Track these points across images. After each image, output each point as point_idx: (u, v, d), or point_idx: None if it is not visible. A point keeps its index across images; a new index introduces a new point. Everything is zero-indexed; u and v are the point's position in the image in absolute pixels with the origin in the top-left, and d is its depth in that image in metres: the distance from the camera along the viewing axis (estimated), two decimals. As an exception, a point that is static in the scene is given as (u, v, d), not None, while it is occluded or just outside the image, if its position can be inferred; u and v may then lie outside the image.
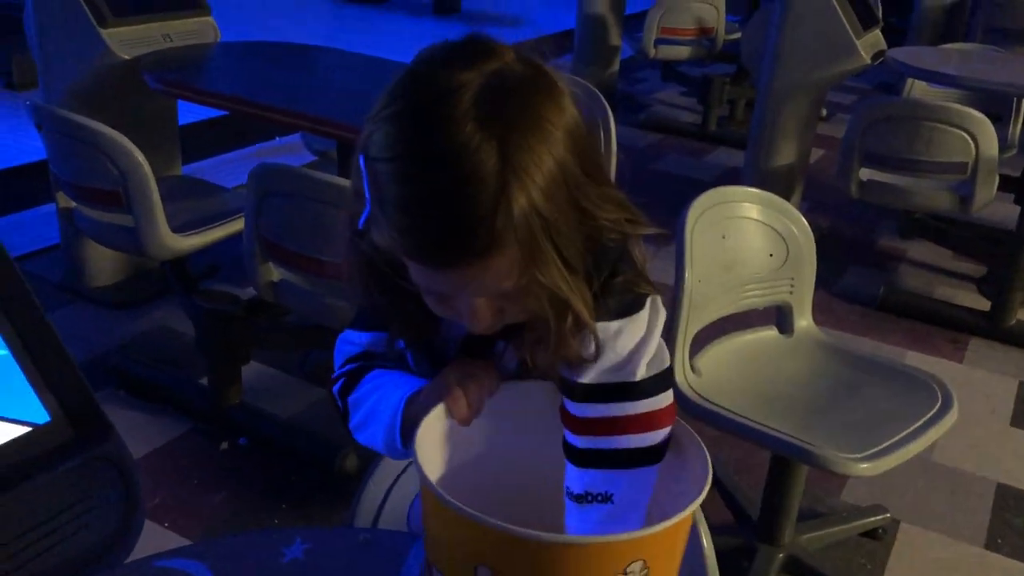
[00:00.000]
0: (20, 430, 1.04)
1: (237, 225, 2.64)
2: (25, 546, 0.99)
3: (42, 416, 1.07)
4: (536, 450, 1.00)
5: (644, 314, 0.94)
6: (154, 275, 3.26)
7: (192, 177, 3.12)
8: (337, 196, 2.13)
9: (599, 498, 0.94)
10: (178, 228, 2.54)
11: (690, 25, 5.27)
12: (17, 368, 1.06)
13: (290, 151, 4.35)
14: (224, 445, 2.54)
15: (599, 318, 0.89)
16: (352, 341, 1.04)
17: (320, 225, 2.19)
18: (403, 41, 7.53)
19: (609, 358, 0.93)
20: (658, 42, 5.26)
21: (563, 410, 0.97)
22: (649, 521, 0.93)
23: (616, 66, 5.90)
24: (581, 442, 0.95)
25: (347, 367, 1.03)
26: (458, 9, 8.89)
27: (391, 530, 1.30)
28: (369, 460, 2.14)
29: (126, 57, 2.82)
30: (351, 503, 1.43)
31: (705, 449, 0.88)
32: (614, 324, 0.92)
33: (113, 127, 2.39)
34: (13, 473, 1.00)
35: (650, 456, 0.93)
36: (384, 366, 1.00)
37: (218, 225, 2.61)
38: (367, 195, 0.81)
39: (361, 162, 0.81)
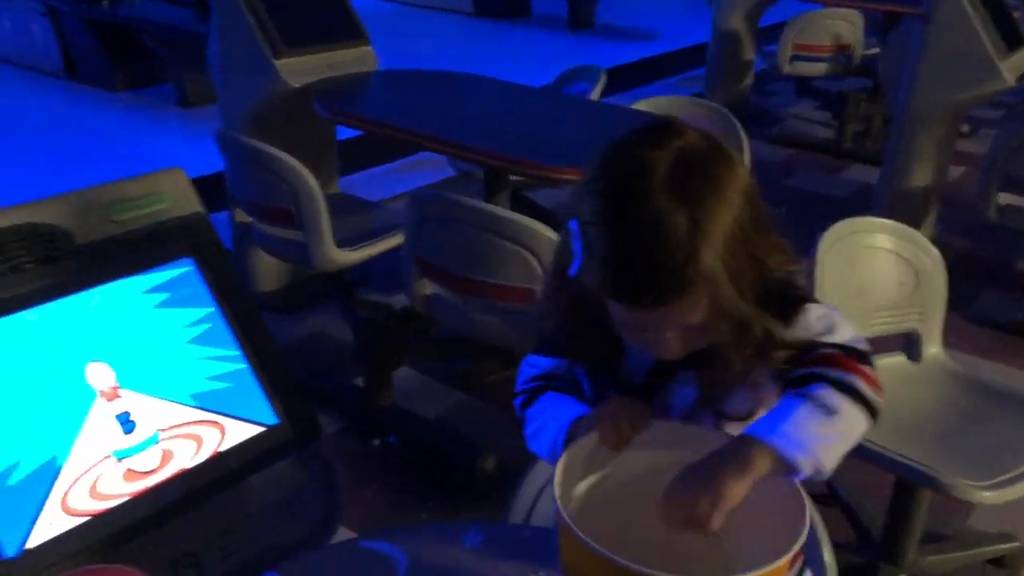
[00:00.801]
0: (255, 430, 1.29)
1: (393, 241, 2.90)
2: (256, 526, 1.24)
3: (272, 419, 1.32)
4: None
5: (816, 306, 1.10)
6: (311, 283, 3.58)
7: (349, 195, 3.40)
8: (487, 222, 2.33)
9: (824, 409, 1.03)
10: (342, 243, 2.82)
11: (826, 41, 5.26)
12: (254, 379, 1.31)
13: (431, 165, 4.61)
14: (376, 442, 2.81)
15: (779, 325, 1.04)
16: (535, 364, 1.25)
17: (470, 247, 2.40)
18: (538, 56, 7.72)
19: (804, 334, 1.07)
20: (793, 58, 5.29)
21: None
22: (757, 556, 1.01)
23: (749, 80, 5.94)
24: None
25: (529, 385, 1.23)
26: (592, 23, 9.02)
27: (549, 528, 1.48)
28: (508, 464, 2.33)
29: (296, 85, 3.13)
30: (508, 500, 1.63)
31: (807, 501, 0.98)
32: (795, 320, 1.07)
33: (282, 150, 2.69)
34: (249, 466, 1.25)
35: (861, 400, 1.05)
36: (559, 390, 1.20)
37: (377, 241, 2.87)
38: (576, 249, 1.01)
39: (573, 225, 1.02)
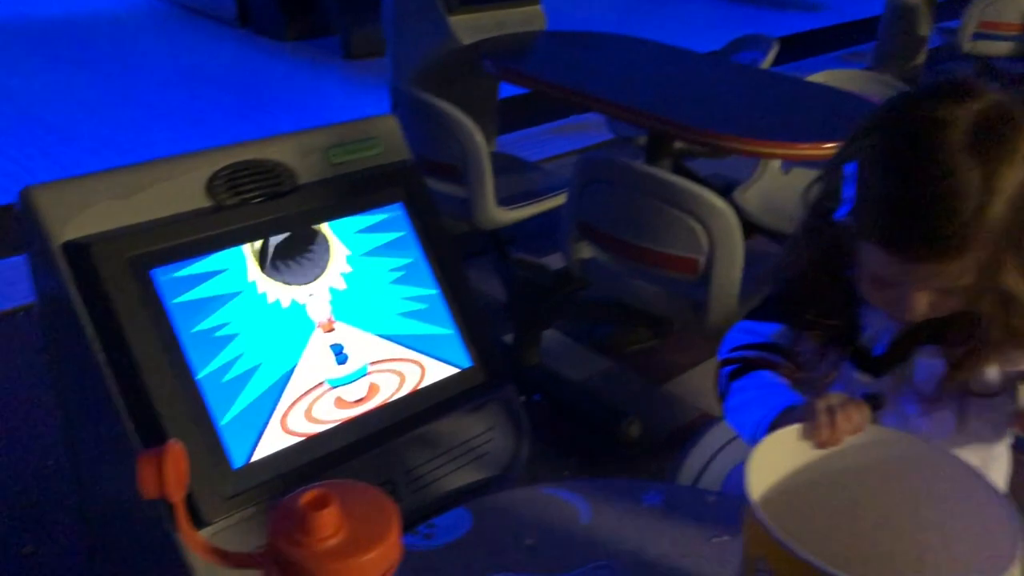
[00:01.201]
0: (451, 371, 1.35)
1: (552, 202, 2.94)
2: (448, 462, 1.31)
3: (466, 362, 1.38)
4: (869, 497, 1.03)
5: None
6: (462, 239, 3.65)
7: (509, 154, 3.45)
8: (656, 188, 2.33)
9: None
10: (502, 201, 2.87)
11: (1016, 19, 4.95)
12: (451, 322, 1.38)
13: (585, 129, 4.62)
14: (521, 399, 2.88)
15: None
16: (752, 331, 1.22)
17: (636, 213, 2.40)
18: (700, 24, 7.55)
19: None
20: (975, 36, 5.01)
21: None
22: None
23: (922, 57, 5.65)
24: None
25: (743, 353, 1.22)
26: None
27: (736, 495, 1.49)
28: (651, 432, 2.33)
29: (466, 42, 3.19)
30: (675, 461, 1.65)
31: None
32: None
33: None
34: (445, 405, 1.32)
35: None
36: (773, 367, 1.18)
37: (536, 201, 2.91)
38: (846, 194, 1.01)
39: (849, 168, 1.01)
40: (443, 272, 1.40)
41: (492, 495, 1.28)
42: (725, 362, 1.24)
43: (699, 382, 2.94)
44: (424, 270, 1.41)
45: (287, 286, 1.31)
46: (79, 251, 1.16)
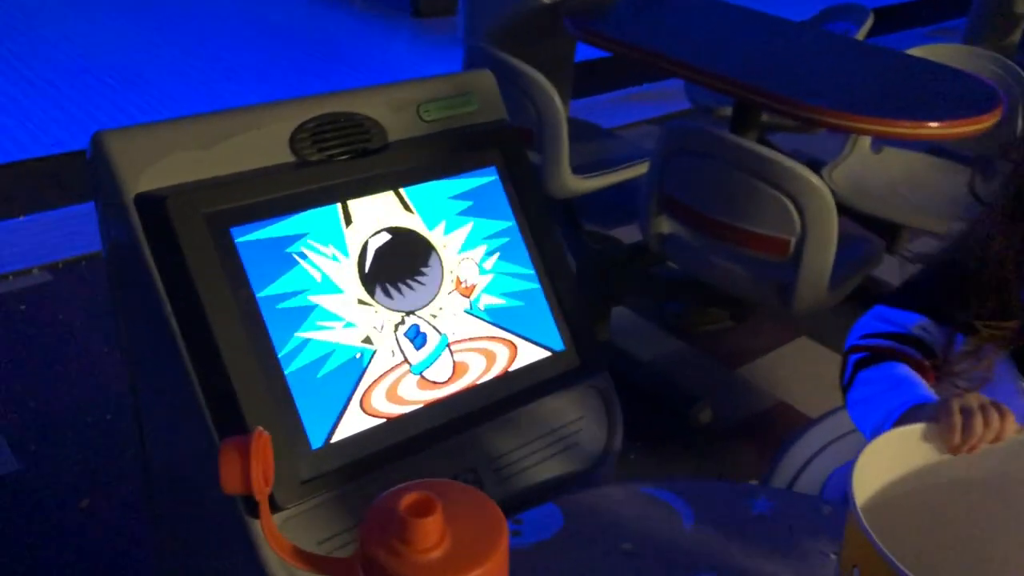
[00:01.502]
0: (542, 354, 1.24)
1: (629, 172, 2.80)
2: (535, 451, 1.20)
3: (559, 344, 1.26)
4: (995, 520, 0.93)
5: None
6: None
7: (584, 120, 3.31)
8: (748, 162, 2.19)
9: None
10: (576, 169, 2.74)
11: (1122, -2, 4.65)
12: (544, 301, 1.26)
13: (660, 97, 4.45)
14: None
15: None
16: (889, 319, 1.09)
17: (724, 187, 2.26)
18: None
19: None
20: (1077, 14, 4.71)
21: None
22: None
23: (1017, 35, 5.36)
24: None
25: (875, 342, 1.09)
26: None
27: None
28: (722, 418, 2.20)
29: (546, 1, 3.04)
30: (771, 463, 1.53)
31: None
32: None
33: (525, 68, 2.61)
34: (535, 390, 1.20)
35: None
36: (910, 364, 1.06)
37: (612, 171, 2.77)
38: None
39: None
40: (539, 246, 1.28)
41: (584, 491, 1.17)
42: (853, 349, 1.12)
43: (775, 368, 2.81)
44: (517, 242, 1.29)
45: (389, 300, 1.20)
46: (153, 204, 1.06)
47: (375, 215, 1.20)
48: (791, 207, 2.19)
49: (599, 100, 4.56)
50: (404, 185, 1.23)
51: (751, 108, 2.84)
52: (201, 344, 1.05)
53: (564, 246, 1.27)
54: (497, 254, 1.26)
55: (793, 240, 2.24)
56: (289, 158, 1.18)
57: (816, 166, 3.02)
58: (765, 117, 3.01)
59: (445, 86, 1.28)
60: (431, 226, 1.24)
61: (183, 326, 1.06)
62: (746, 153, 2.20)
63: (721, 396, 2.68)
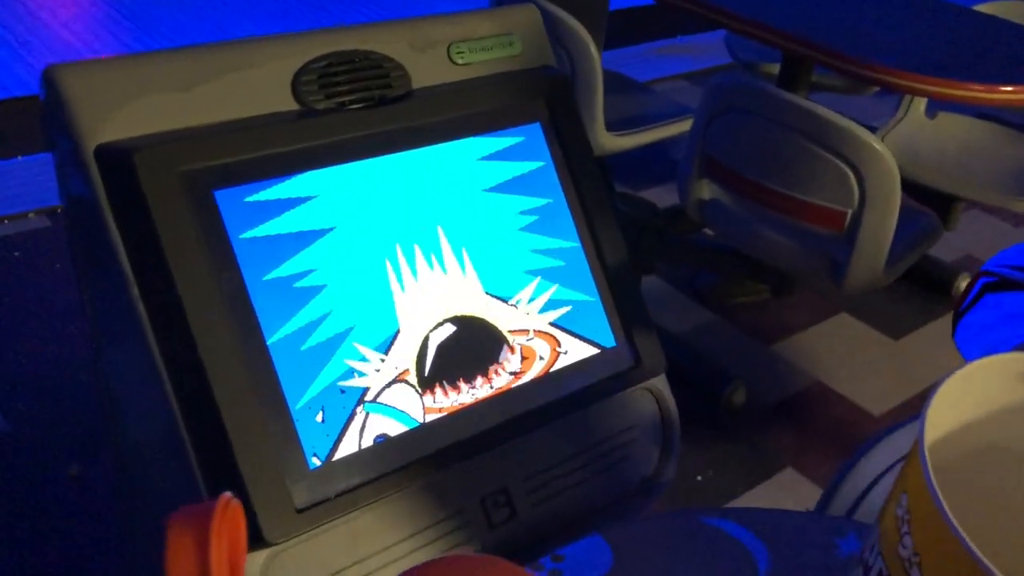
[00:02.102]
0: (589, 351, 1.02)
1: (667, 131, 2.56)
2: (576, 469, 0.98)
3: (608, 340, 1.04)
4: None
5: None
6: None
7: (617, 72, 3.05)
8: (806, 124, 1.96)
9: None
10: (609, 126, 2.49)
11: None
12: (594, 287, 1.03)
13: (696, 51, 4.16)
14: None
15: None
16: None
17: (777, 151, 2.04)
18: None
19: None
20: None
21: None
22: None
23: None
24: None
25: (1012, 273, 0.88)
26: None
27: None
28: (757, 400, 1.98)
29: (581, -59, 2.76)
30: (830, 486, 1.31)
31: None
32: None
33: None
34: (579, 396, 0.99)
35: None
36: None
37: (648, 128, 2.53)
38: None
39: None
40: (587, 219, 1.04)
41: (635, 522, 0.96)
42: (986, 272, 0.91)
43: (812, 346, 2.60)
44: (564, 215, 1.05)
45: (381, 228, 0.96)
46: (118, 158, 0.83)
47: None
48: (850, 175, 1.98)
49: (629, 52, 4.27)
50: (428, 143, 1.00)
51: (802, 64, 2.58)
52: (173, 337, 0.83)
53: (616, 221, 1.04)
54: (538, 229, 1.02)
55: (850, 212, 2.03)
56: (290, 106, 0.94)
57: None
58: (814, 76, 2.75)
59: (482, 23, 1.03)
60: (454, 197, 1.00)
61: (152, 312, 0.84)
62: (802, 113, 1.96)
63: (755, 375, 2.47)
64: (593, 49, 2.34)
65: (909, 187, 2.64)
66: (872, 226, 1.99)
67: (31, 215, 2.90)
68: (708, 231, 2.74)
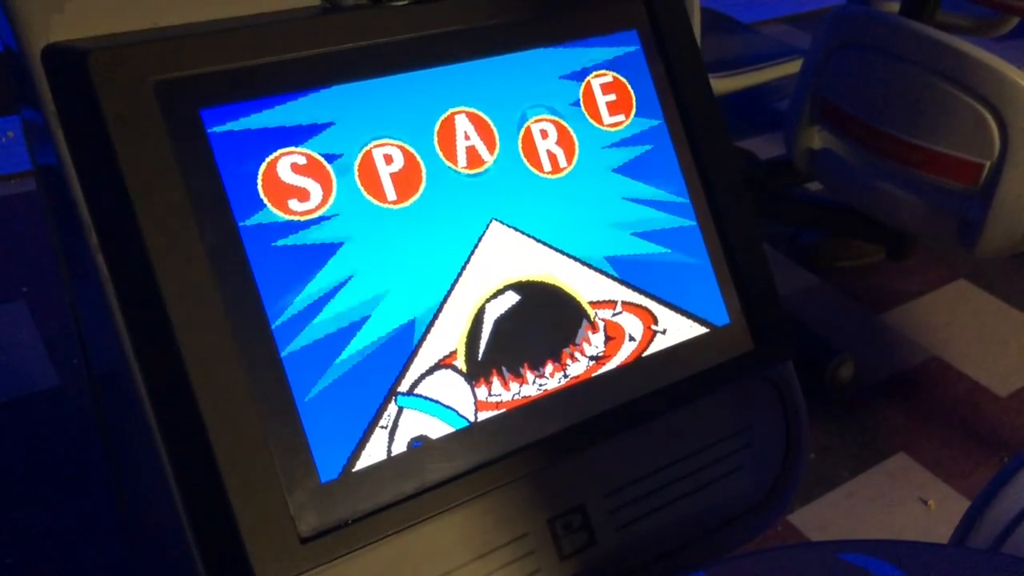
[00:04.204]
0: (694, 330, 0.75)
1: (769, 73, 2.26)
2: (673, 482, 0.73)
3: (722, 316, 0.77)
4: None
5: None
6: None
7: (714, 10, 2.74)
8: (942, 61, 1.65)
9: None
10: (709, 67, 2.20)
11: None
12: (703, 248, 0.77)
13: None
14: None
15: None
16: None
17: (905, 94, 1.74)
18: None
19: None
20: None
21: None
22: None
23: None
24: None
25: None
26: None
27: None
28: (868, 372, 1.68)
29: None
30: (969, 514, 1.03)
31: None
32: None
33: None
34: (681, 387, 0.73)
35: None
36: None
37: (755, 69, 2.23)
38: None
39: None
40: (698, 161, 0.77)
41: (750, 555, 0.70)
42: None
43: (927, 316, 2.29)
44: (667, 154, 0.77)
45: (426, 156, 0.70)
46: (70, 62, 0.59)
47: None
48: (991, 121, 1.68)
49: (724, -6, 3.91)
50: (490, 53, 0.73)
51: (929, -3, 2.22)
52: (140, 303, 0.60)
53: (736, 164, 0.76)
54: (634, 172, 0.76)
55: (988, 164, 1.73)
56: (307, 0, 0.69)
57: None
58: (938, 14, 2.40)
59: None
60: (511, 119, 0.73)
61: (114, 269, 0.61)
62: (938, 48, 1.65)
63: (863, 347, 2.18)
64: (690, -19, 2.03)
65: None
66: (1014, 181, 1.69)
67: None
68: (815, 185, 2.43)
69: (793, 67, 2.24)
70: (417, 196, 0.73)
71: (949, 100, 1.70)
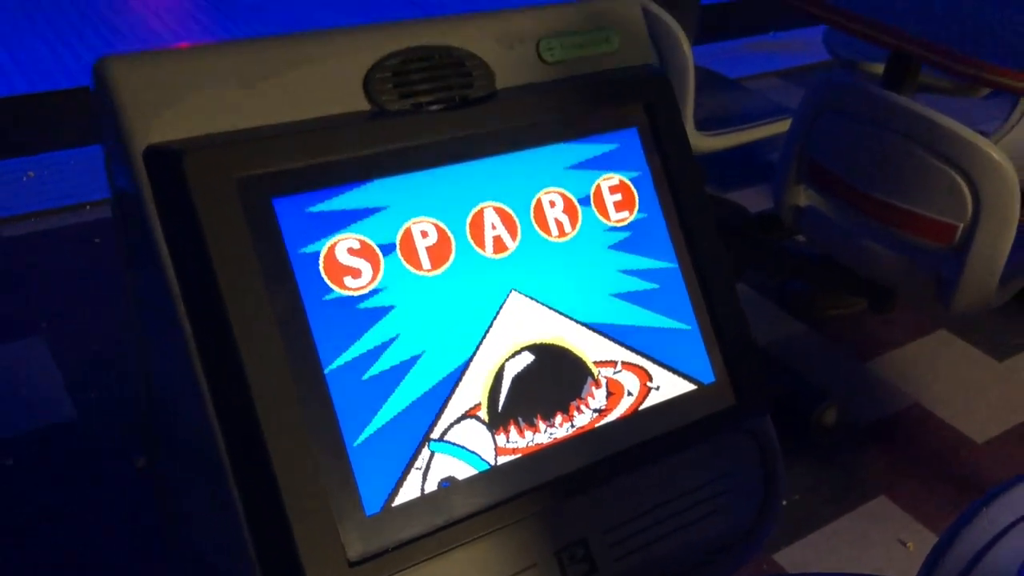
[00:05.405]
0: (685, 386, 0.89)
1: (759, 132, 2.40)
2: (663, 520, 0.86)
3: (707, 375, 0.91)
4: None
5: None
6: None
7: (707, 68, 2.89)
8: (918, 129, 1.78)
9: None
10: (699, 125, 2.34)
11: None
12: (691, 313, 0.91)
13: (791, 47, 3.95)
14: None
15: None
16: None
17: (885, 157, 1.87)
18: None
19: None
20: None
21: None
22: None
23: None
24: None
25: None
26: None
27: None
28: (849, 422, 1.81)
29: (676, -71, 2.61)
30: (937, 545, 1.16)
31: None
32: None
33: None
34: (672, 437, 0.86)
35: None
36: None
37: (744, 128, 2.37)
38: None
39: None
40: (687, 237, 0.91)
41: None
42: None
43: (909, 364, 2.41)
44: (660, 232, 0.92)
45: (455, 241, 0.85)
46: (167, 161, 0.74)
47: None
48: (964, 186, 1.81)
49: (717, 48, 4.08)
50: (513, 148, 0.88)
51: (910, 63, 2.38)
52: (218, 358, 0.74)
53: (720, 241, 0.91)
54: (630, 247, 0.90)
55: (961, 226, 1.85)
56: (362, 106, 0.83)
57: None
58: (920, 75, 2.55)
59: (575, 17, 0.90)
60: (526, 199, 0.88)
61: (197, 330, 0.75)
62: (914, 118, 1.79)
63: (847, 393, 2.30)
64: (685, 43, 2.20)
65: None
66: (986, 242, 1.82)
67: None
68: (800, 238, 2.57)
69: (782, 126, 2.37)
70: (448, 265, 0.87)
71: (925, 166, 1.83)
